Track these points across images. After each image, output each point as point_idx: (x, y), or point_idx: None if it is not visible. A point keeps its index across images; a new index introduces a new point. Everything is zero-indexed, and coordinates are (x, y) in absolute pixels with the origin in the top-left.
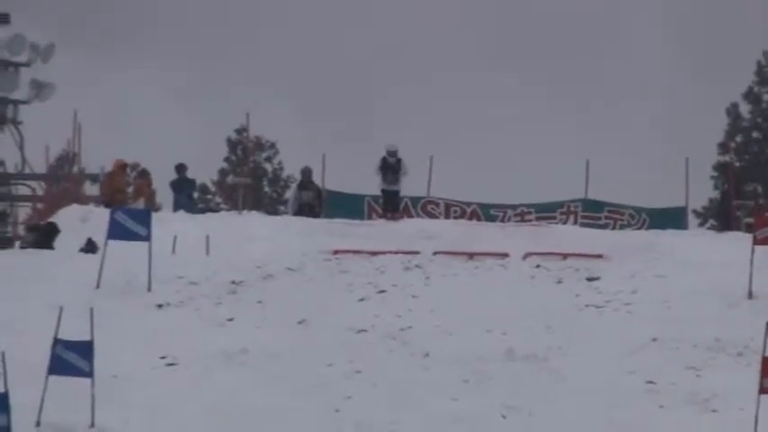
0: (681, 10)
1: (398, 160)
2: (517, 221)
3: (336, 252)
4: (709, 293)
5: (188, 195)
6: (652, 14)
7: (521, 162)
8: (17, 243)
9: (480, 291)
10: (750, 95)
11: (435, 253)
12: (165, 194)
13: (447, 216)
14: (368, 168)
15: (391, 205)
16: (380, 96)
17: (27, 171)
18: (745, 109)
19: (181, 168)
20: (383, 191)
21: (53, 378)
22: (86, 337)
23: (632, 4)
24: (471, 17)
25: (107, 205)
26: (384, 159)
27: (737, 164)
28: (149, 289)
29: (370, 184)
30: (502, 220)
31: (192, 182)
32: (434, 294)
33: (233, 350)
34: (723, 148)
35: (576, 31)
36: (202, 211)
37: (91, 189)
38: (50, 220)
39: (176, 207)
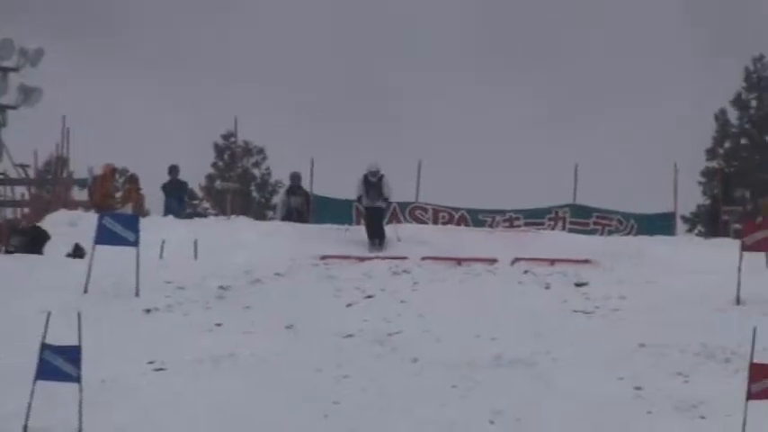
0: (669, 17)
1: (380, 178)
2: (505, 227)
3: (324, 257)
4: (697, 299)
5: (179, 198)
6: (639, 21)
7: (509, 167)
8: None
9: (468, 296)
10: (738, 101)
11: (423, 258)
12: (153, 199)
13: (435, 221)
14: (357, 174)
15: (375, 221)
16: (369, 101)
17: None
18: (733, 115)
19: (173, 170)
20: (366, 208)
21: (40, 383)
22: (74, 342)
23: (620, 12)
24: (461, 23)
25: (97, 209)
26: (365, 178)
27: (726, 170)
28: (137, 294)
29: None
30: (490, 226)
31: (184, 184)
32: (422, 299)
33: (221, 355)
34: (711, 154)
35: (565, 38)
36: (190, 216)
37: (79, 194)
38: (37, 224)
39: (167, 210)
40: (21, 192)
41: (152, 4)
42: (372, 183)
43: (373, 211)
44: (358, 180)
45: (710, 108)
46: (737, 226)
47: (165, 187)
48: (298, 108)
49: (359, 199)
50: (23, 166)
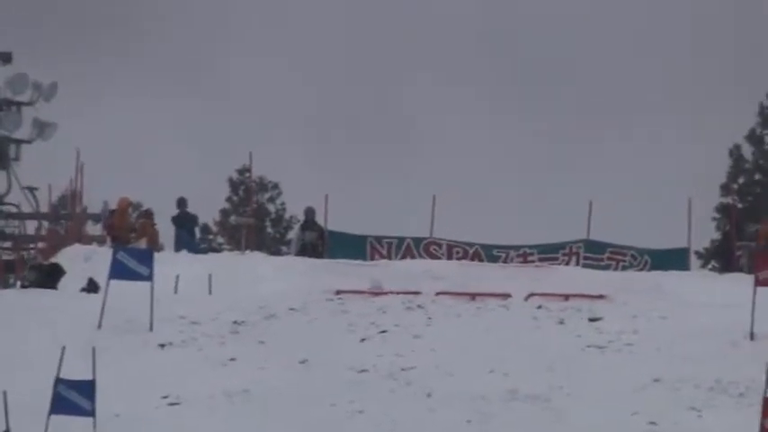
0: (683, 50)
1: None
2: (519, 262)
3: (339, 292)
4: (710, 334)
5: (189, 231)
6: (654, 56)
7: (523, 203)
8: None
9: (482, 331)
10: (753, 137)
11: (438, 293)
12: (168, 234)
13: (449, 257)
14: (371, 209)
15: None
16: (384, 137)
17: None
18: (747, 151)
19: (181, 203)
20: None
21: (55, 417)
22: (88, 377)
23: (634, 45)
24: (474, 59)
25: (113, 239)
26: None
27: (740, 206)
28: (151, 328)
29: (373, 225)
30: (504, 261)
31: (194, 217)
32: (436, 335)
33: (235, 390)
34: (725, 189)
35: (579, 72)
36: (205, 251)
37: (93, 228)
38: (53, 260)
39: (177, 242)
40: (33, 225)
41: (167, 37)
42: None
43: None
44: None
45: (725, 143)
46: (743, 260)
47: (175, 219)
48: (312, 144)
49: None
50: (31, 189)
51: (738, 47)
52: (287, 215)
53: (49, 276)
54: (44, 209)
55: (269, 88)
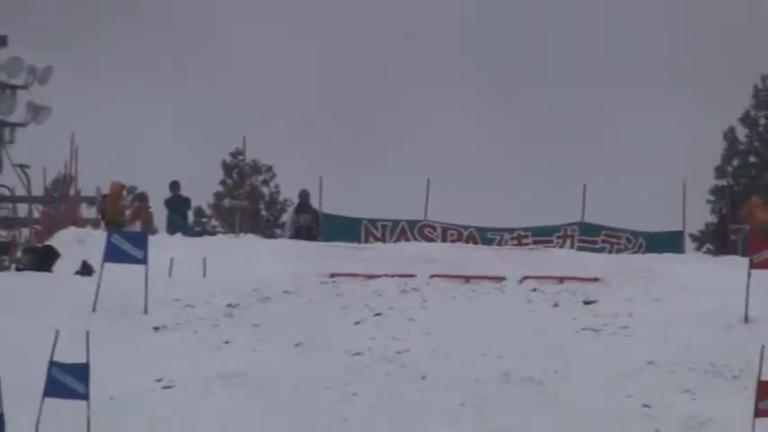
0: (678, 34)
1: None
2: (514, 245)
3: (333, 275)
4: (705, 317)
5: (182, 214)
6: (648, 38)
7: (518, 185)
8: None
9: (477, 314)
10: (747, 119)
11: (432, 276)
12: (160, 216)
13: (444, 239)
14: (366, 192)
15: None
16: (378, 119)
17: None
18: (741, 133)
19: (174, 186)
20: None
21: (49, 400)
22: (82, 360)
23: (628, 28)
24: (470, 40)
25: (108, 223)
26: None
27: (735, 188)
28: (146, 311)
29: (368, 208)
30: (498, 244)
31: (187, 200)
32: (431, 317)
33: (229, 373)
34: (720, 172)
35: (573, 56)
36: (199, 234)
37: (87, 211)
38: (48, 243)
39: (170, 225)
40: (24, 207)
41: (162, 21)
42: None
43: None
44: None
45: (719, 126)
46: (733, 237)
47: (167, 202)
48: (306, 126)
49: None
50: (23, 167)
51: (733, 29)
52: (281, 198)
53: (44, 259)
54: (37, 191)
55: (263, 71)
